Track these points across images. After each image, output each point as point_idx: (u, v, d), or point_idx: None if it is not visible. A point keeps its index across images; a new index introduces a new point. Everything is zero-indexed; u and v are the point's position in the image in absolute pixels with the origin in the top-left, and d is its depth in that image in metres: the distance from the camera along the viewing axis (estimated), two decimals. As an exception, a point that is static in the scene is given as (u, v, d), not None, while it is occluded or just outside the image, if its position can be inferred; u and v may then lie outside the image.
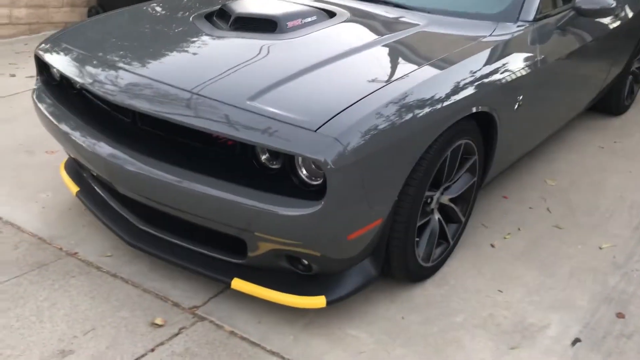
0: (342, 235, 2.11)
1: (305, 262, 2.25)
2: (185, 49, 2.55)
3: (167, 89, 2.24)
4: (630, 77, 4.59)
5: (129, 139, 2.37)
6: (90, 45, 2.67)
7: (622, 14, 3.89)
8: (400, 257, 2.41)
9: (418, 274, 2.58)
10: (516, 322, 2.46)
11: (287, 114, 2.05)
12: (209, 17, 2.86)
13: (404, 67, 2.39)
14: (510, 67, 2.68)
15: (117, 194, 2.52)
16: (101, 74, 2.41)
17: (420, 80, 2.30)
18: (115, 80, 2.33)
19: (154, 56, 2.48)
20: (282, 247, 2.17)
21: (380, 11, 2.93)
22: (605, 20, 3.63)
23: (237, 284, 2.30)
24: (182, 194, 2.17)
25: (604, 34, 3.62)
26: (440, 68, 2.41)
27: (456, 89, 2.38)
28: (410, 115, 2.19)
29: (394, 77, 2.29)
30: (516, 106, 2.79)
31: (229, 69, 2.31)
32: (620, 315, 2.53)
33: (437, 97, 2.30)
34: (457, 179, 2.66)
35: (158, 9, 3.15)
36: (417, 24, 2.77)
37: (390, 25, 2.77)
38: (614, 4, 3.05)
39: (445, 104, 2.32)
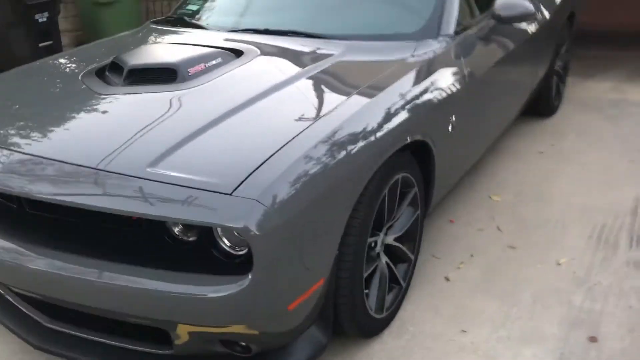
0: (280, 307, 1.81)
1: (243, 343, 1.94)
2: (75, 114, 2.20)
3: (56, 167, 1.90)
4: (555, 77, 4.53)
5: (16, 229, 2.01)
6: None
7: (540, 16, 3.80)
8: (350, 314, 2.14)
9: (372, 328, 2.31)
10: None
11: (195, 177, 1.75)
12: (100, 73, 2.53)
13: (325, 102, 2.14)
14: (438, 87, 2.48)
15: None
16: None
17: (347, 114, 2.06)
18: None
19: (40, 128, 2.13)
20: (212, 331, 1.86)
21: (291, 45, 2.67)
22: (525, 24, 3.52)
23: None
24: (85, 287, 1.83)
25: (526, 37, 3.50)
26: (366, 98, 2.18)
27: (387, 118, 2.15)
28: (343, 153, 1.94)
29: (317, 115, 2.03)
30: (450, 127, 2.59)
31: (123, 134, 1.99)
32: (592, 339, 2.33)
33: (368, 129, 2.06)
34: (400, 216, 2.41)
35: (42, 68, 2.80)
36: (332, 54, 2.52)
37: (303, 59, 2.51)
38: (532, 9, 2.91)
39: (379, 135, 2.08)
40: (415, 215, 2.50)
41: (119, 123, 2.06)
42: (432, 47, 2.62)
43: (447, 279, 2.73)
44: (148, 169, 1.80)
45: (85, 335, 2.09)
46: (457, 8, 2.79)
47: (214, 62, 2.40)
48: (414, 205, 2.48)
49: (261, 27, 2.84)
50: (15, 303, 2.24)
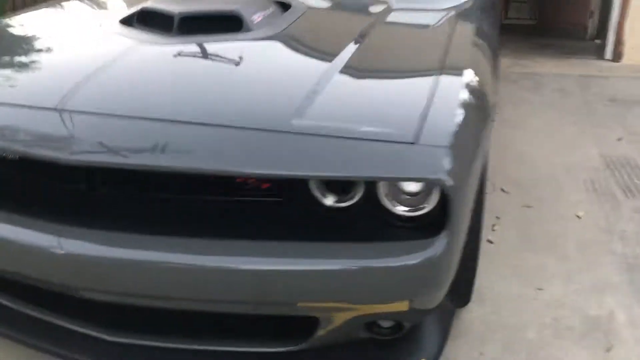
0: (453, 273, 1.58)
1: (387, 324, 1.66)
2: (153, 71, 1.75)
3: (165, 129, 1.47)
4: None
5: (92, 219, 1.52)
6: None
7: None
8: (463, 277, 1.95)
9: (467, 296, 2.15)
10: (583, 320, 2.17)
11: (361, 127, 1.46)
12: (127, 22, 2.03)
13: (430, 42, 1.94)
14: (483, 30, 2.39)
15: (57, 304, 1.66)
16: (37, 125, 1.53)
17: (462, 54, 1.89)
18: (71, 131, 1.47)
19: (102, 86, 1.64)
20: (368, 313, 1.57)
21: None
22: None
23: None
24: (231, 275, 1.43)
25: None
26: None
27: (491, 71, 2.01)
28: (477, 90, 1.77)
29: (437, 55, 1.83)
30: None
31: (234, 87, 1.61)
32: (655, 281, 2.40)
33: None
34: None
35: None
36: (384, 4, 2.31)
37: (359, 10, 2.27)
38: None
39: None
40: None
41: (220, 76, 1.66)
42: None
43: (490, 241, 2.65)
44: (294, 121, 1.46)
45: (168, 344, 1.66)
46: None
47: (268, 11, 2.05)
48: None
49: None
50: (59, 323, 1.72)
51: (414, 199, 1.50)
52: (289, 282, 1.45)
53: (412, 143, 1.43)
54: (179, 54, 1.80)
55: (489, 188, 3.11)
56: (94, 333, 1.68)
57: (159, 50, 1.83)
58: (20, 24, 2.33)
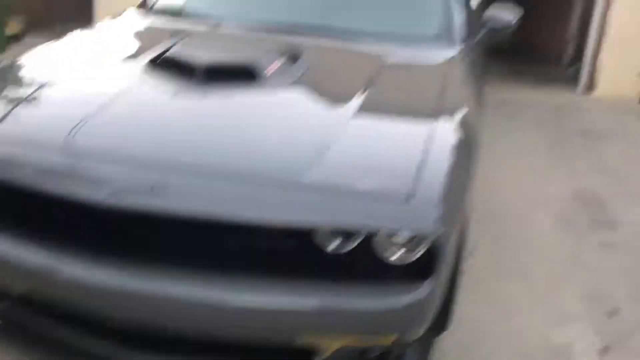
0: (436, 309, 1.83)
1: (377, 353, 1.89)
2: (152, 115, 1.97)
3: (191, 177, 1.69)
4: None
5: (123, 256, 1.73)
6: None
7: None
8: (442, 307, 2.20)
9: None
10: (543, 346, 2.44)
11: (362, 182, 1.69)
12: (153, 64, 2.22)
13: (431, 94, 2.20)
14: (474, 79, 2.70)
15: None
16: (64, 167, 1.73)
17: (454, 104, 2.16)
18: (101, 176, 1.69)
19: (128, 129, 1.86)
20: (361, 345, 1.80)
21: (333, 44, 2.64)
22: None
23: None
24: (225, 314, 1.66)
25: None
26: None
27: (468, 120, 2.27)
28: (468, 153, 2.02)
29: (437, 107, 2.09)
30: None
31: (252, 142, 1.83)
32: (612, 311, 2.67)
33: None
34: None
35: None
36: (383, 54, 2.56)
37: (358, 60, 2.52)
38: (516, 18, 3.18)
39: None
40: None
41: (236, 129, 1.88)
42: (458, 50, 2.77)
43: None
44: (306, 178, 1.69)
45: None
46: (465, 17, 2.97)
47: (280, 62, 2.27)
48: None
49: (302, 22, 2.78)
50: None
51: (405, 246, 1.73)
52: (291, 318, 1.67)
53: (407, 197, 1.67)
54: (196, 105, 2.02)
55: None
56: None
57: (178, 100, 2.03)
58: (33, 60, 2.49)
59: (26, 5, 6.42)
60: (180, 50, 2.21)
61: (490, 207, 3.54)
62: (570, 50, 7.37)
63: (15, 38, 6.19)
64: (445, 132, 2.00)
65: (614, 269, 3.00)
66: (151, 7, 3.07)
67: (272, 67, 2.19)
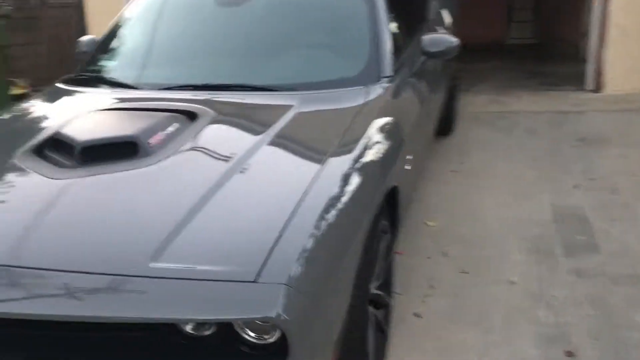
0: None
1: None
2: (34, 209, 1.92)
3: (43, 279, 1.65)
4: (451, 96, 4.78)
5: None
6: None
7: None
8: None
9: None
10: (488, 400, 2.27)
11: (208, 267, 1.61)
12: (39, 150, 2.22)
13: (307, 164, 2.07)
14: (397, 130, 2.51)
15: None
16: None
17: (334, 174, 2.01)
18: None
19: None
20: None
21: (243, 98, 2.56)
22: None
23: None
24: None
25: (439, 65, 3.66)
26: (344, 154, 2.14)
27: (371, 173, 2.13)
28: (344, 215, 1.89)
29: (306, 179, 1.96)
30: (407, 166, 2.63)
31: (105, 228, 1.78)
32: (569, 354, 2.47)
33: (358, 186, 2.03)
34: (381, 262, 2.40)
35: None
36: (291, 105, 2.45)
37: (264, 114, 2.42)
38: (457, 41, 3.05)
39: (368, 190, 2.07)
40: (390, 260, 2.50)
41: (92, 216, 1.83)
42: (378, 91, 2.64)
43: (417, 315, 2.76)
44: (151, 265, 1.62)
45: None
46: (391, 48, 2.84)
47: (171, 128, 2.22)
48: (388, 249, 2.48)
49: (199, 82, 2.69)
50: None
51: (257, 331, 1.64)
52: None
53: (252, 282, 1.58)
54: (63, 191, 1.95)
55: (429, 251, 3.23)
56: None
57: (49, 187, 1.98)
58: None
59: (32, 67, 6.73)
60: (65, 130, 2.19)
61: (461, 234, 3.37)
62: (584, 44, 7.02)
63: (22, 97, 6.47)
64: (323, 189, 1.89)
65: (580, 302, 2.77)
66: (74, 78, 3.04)
67: (157, 137, 2.14)
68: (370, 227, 2.08)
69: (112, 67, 3.00)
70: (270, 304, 1.54)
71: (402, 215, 2.60)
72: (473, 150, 4.58)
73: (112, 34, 3.22)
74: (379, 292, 2.40)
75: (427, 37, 3.00)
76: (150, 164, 2.05)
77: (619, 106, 5.33)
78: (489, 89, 6.19)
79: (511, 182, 4.00)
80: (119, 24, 3.27)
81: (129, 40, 3.12)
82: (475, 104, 5.67)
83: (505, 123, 5.13)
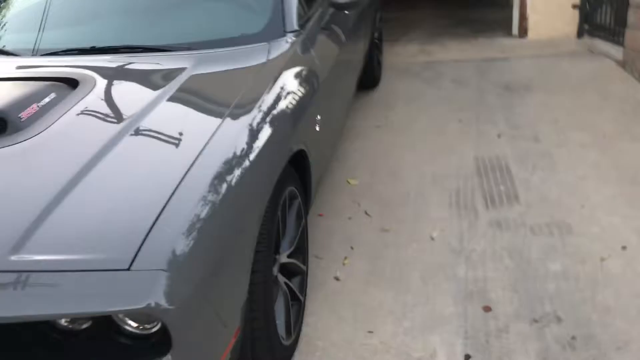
0: None
1: None
2: None
3: None
4: (375, 48, 4.65)
5: None
6: None
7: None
8: (268, 352, 1.99)
9: (286, 356, 2.18)
10: (404, 362, 2.22)
11: (77, 256, 1.45)
12: None
13: (198, 131, 1.90)
14: (301, 89, 2.36)
15: None
16: None
17: (226, 141, 1.85)
18: None
19: None
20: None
21: (130, 64, 2.34)
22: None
23: None
24: None
25: (355, 16, 3.51)
26: (240, 118, 1.98)
27: (270, 138, 1.98)
28: (237, 187, 1.75)
29: (195, 148, 1.80)
30: (317, 127, 2.50)
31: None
32: (487, 309, 2.44)
33: (255, 153, 1.88)
34: (291, 228, 2.29)
35: None
36: (184, 67, 2.26)
37: (152, 79, 2.22)
38: None
39: (267, 157, 1.92)
40: (302, 226, 2.39)
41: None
42: (283, 47, 2.48)
43: (337, 278, 2.68)
44: (12, 257, 1.45)
45: None
46: (296, 1, 2.66)
47: (47, 99, 2.01)
48: (298, 215, 2.36)
49: (86, 44, 2.46)
50: None
51: (144, 319, 1.51)
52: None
53: (126, 269, 1.43)
54: None
55: (351, 211, 3.15)
56: None
57: None
58: None
59: None
60: None
61: (383, 192, 3.30)
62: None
63: None
64: (213, 157, 1.74)
65: (500, 255, 2.75)
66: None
67: (30, 110, 1.93)
68: (271, 195, 1.95)
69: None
70: (145, 293, 1.40)
71: (314, 178, 2.48)
72: (397, 104, 4.49)
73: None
74: (291, 260, 2.30)
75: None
76: (20, 141, 1.84)
77: (542, 51, 5.32)
78: (417, 38, 6.08)
79: (435, 136, 3.93)
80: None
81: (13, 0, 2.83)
82: (402, 55, 5.56)
83: (431, 74, 5.04)
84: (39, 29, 2.60)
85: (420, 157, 3.67)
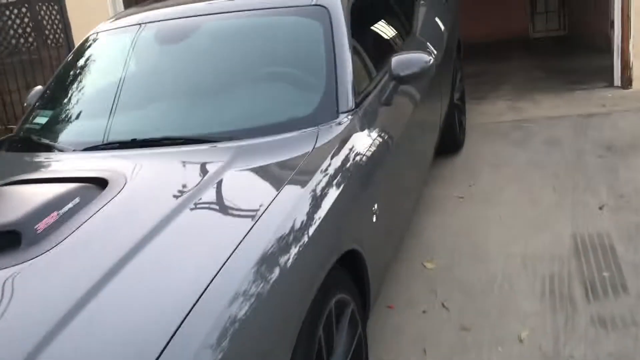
0: None
1: None
2: None
3: None
4: (455, 110, 4.30)
5: None
6: None
7: (436, 55, 3.54)
8: None
9: None
10: None
11: None
12: None
13: (220, 246, 1.66)
14: (354, 178, 2.08)
15: None
16: None
17: (262, 246, 1.62)
18: None
19: None
20: None
21: (164, 160, 2.17)
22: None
23: None
24: None
25: (428, 83, 3.20)
26: (270, 222, 1.73)
27: (313, 240, 1.72)
28: (273, 300, 1.53)
29: (226, 253, 1.58)
30: (374, 218, 2.20)
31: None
32: None
33: (294, 259, 1.64)
34: (341, 343, 1.97)
35: None
36: (220, 162, 2.05)
37: (186, 177, 2.03)
38: (430, 60, 2.59)
39: (308, 263, 1.69)
40: (358, 333, 2.06)
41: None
42: (334, 132, 2.22)
43: (405, 391, 2.32)
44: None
45: None
46: (351, 77, 2.41)
47: (70, 204, 1.84)
48: (353, 323, 2.04)
49: (126, 137, 2.32)
50: None
51: None
52: None
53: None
54: None
55: (426, 303, 2.78)
56: None
57: None
58: None
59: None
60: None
61: (464, 279, 2.90)
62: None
63: None
64: (239, 267, 1.53)
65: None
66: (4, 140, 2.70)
67: (48, 220, 1.77)
68: (309, 310, 1.66)
69: (42, 125, 2.65)
70: None
71: (373, 280, 2.16)
72: (483, 170, 4.08)
73: (52, 84, 2.90)
74: (345, 377, 1.97)
75: (395, 59, 2.55)
76: (33, 257, 1.67)
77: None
78: (505, 94, 5.67)
79: (524, 208, 3.49)
80: (61, 72, 2.95)
81: (62, 91, 2.78)
82: (489, 114, 5.16)
83: (521, 134, 4.60)
84: (86, 120, 2.52)
85: (508, 234, 3.25)
